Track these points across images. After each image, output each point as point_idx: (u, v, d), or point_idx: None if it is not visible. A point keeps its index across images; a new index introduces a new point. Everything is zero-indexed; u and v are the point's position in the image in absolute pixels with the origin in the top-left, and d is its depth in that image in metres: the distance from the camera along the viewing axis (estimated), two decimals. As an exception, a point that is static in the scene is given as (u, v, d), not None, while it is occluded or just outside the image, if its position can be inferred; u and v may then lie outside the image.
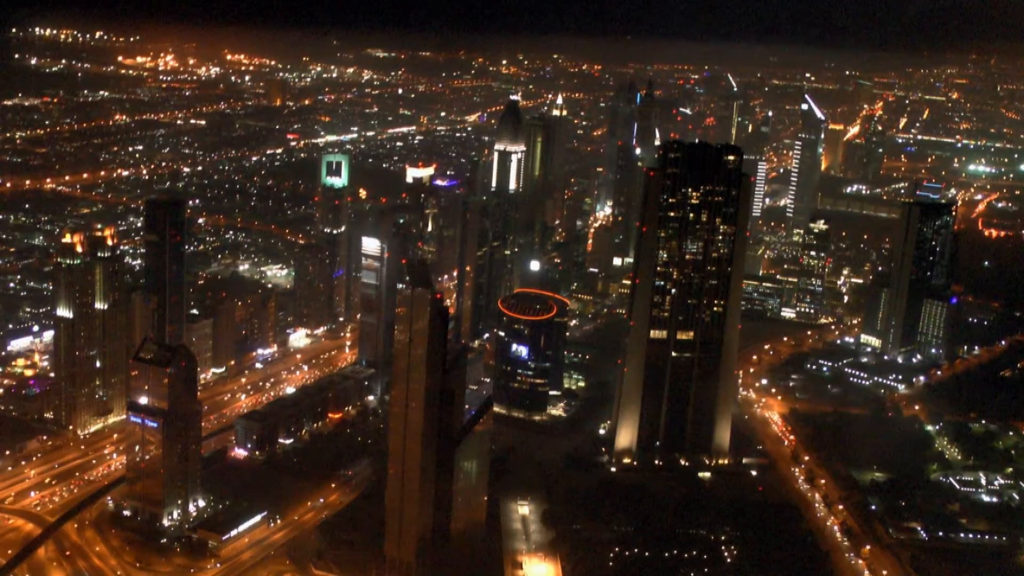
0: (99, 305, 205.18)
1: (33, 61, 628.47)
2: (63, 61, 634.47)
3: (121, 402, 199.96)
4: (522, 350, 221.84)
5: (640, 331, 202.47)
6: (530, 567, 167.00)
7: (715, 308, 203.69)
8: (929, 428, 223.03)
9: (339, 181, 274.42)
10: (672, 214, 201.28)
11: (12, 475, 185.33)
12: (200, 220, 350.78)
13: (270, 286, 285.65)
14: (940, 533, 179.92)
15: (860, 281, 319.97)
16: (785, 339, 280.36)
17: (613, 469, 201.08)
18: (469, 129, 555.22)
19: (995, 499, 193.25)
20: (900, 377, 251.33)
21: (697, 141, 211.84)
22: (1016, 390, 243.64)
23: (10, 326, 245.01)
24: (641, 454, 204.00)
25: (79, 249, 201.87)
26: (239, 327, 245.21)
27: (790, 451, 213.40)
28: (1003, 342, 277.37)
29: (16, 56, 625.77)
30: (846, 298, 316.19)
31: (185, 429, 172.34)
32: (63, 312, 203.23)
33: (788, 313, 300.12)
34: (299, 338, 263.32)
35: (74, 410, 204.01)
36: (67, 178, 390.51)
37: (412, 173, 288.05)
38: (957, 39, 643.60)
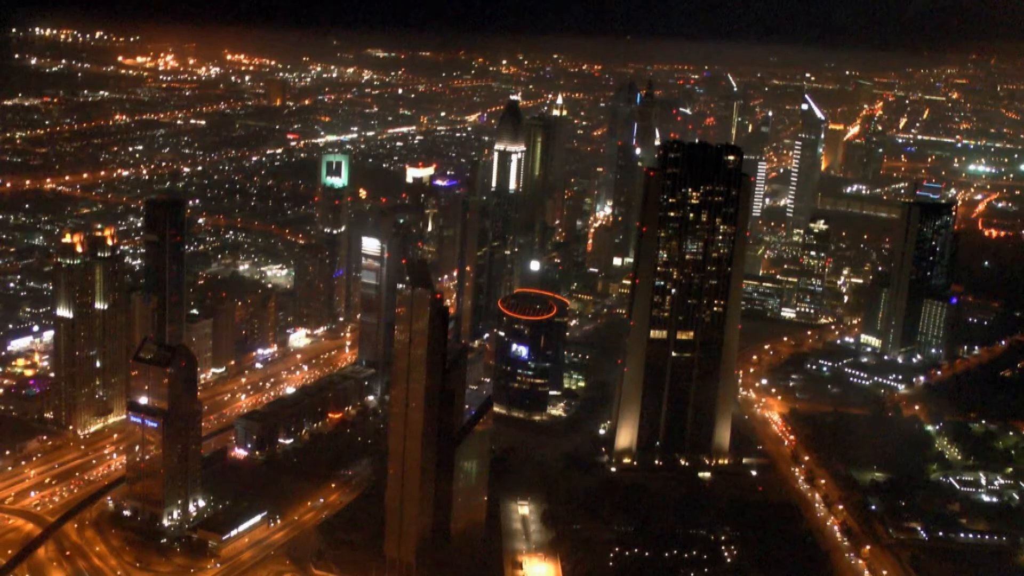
0: (99, 305, 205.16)
1: (33, 61, 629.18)
2: (63, 61, 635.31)
3: (121, 402, 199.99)
4: (522, 350, 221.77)
5: (640, 331, 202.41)
6: (530, 567, 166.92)
7: (715, 308, 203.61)
8: (929, 428, 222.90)
9: (339, 181, 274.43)
10: (672, 214, 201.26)
11: (12, 475, 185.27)
12: (200, 220, 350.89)
13: (270, 286, 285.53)
14: (940, 533, 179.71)
15: (860, 281, 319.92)
16: (785, 339, 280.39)
17: (613, 469, 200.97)
18: (469, 129, 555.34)
19: (995, 499, 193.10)
20: (900, 377, 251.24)
21: (697, 141, 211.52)
22: (1016, 390, 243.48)
23: (10, 326, 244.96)
24: (641, 454, 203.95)
25: (79, 249, 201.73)
26: (239, 327, 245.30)
27: (790, 451, 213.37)
28: (1003, 342, 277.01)
29: (16, 56, 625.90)
30: (846, 298, 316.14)
31: (185, 429, 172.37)
32: (63, 312, 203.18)
33: (788, 313, 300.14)
34: (299, 338, 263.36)
35: (74, 410, 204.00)
36: (67, 178, 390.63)
37: (412, 173, 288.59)
38: (957, 39, 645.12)
